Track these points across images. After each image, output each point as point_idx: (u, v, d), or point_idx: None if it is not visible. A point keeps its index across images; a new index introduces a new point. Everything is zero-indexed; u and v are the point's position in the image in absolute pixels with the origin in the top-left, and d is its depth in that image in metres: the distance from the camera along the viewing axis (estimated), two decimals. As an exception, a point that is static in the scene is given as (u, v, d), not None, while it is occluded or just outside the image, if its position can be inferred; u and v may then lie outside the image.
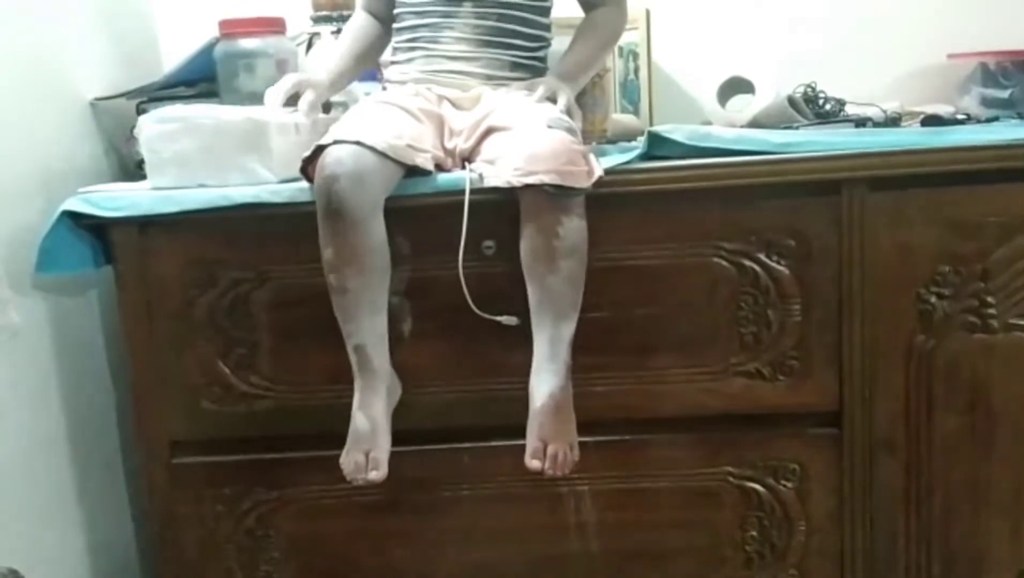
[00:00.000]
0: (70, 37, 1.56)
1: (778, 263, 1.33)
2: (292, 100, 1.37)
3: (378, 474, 1.25)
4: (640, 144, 1.36)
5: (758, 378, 1.35)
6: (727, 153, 1.31)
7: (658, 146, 1.33)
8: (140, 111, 1.56)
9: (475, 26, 1.39)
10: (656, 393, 1.36)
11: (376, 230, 1.23)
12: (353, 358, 1.26)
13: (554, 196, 1.20)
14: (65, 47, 1.54)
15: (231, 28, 1.53)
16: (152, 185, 1.36)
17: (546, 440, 1.23)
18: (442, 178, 1.31)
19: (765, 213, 1.32)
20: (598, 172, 1.24)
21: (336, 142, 1.21)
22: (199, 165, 1.33)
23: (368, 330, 1.25)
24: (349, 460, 1.26)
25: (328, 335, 1.28)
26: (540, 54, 1.46)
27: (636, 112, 1.82)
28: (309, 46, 1.72)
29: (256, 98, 1.44)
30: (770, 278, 1.33)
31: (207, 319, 1.37)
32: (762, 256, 1.33)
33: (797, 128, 1.43)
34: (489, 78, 1.40)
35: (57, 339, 1.45)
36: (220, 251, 1.35)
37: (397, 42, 1.46)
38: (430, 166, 1.29)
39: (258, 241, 1.34)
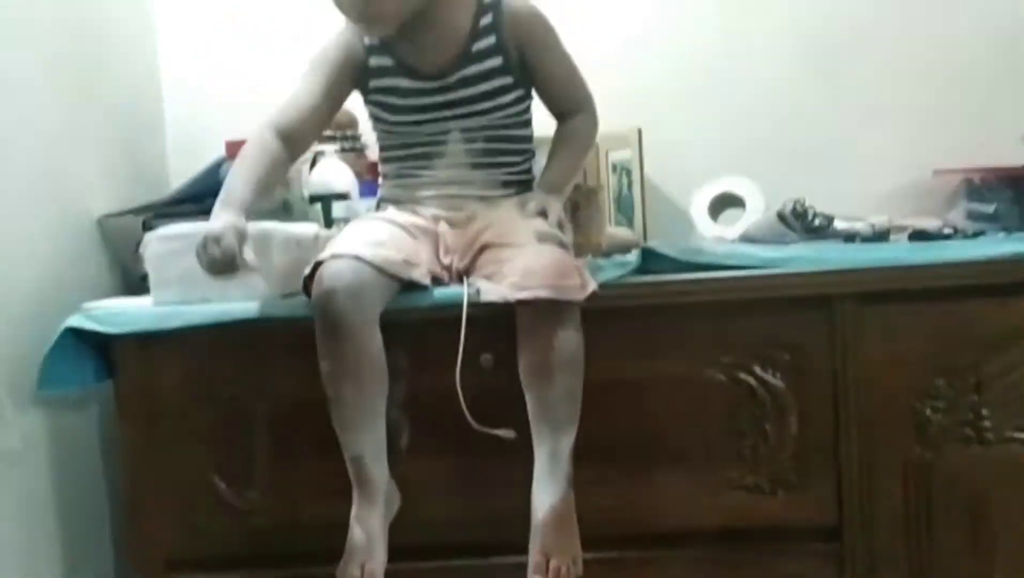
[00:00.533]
0: (81, 155, 1.61)
1: (773, 376, 1.34)
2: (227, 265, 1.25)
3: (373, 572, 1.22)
4: (633, 258, 1.39)
5: (756, 492, 1.35)
6: (719, 268, 1.35)
7: (651, 261, 1.37)
8: (147, 227, 1.58)
9: (466, 151, 1.42)
10: (655, 508, 1.35)
11: (373, 342, 1.24)
12: (351, 469, 1.25)
13: (550, 310, 1.22)
14: (75, 164, 1.59)
15: (237, 148, 1.56)
16: (155, 301, 1.38)
17: (548, 554, 1.22)
18: (440, 293, 1.33)
19: (759, 327, 1.34)
20: (592, 286, 1.25)
21: (334, 256, 1.23)
22: (202, 281, 1.33)
23: (366, 441, 1.25)
24: (346, 572, 1.24)
25: (325, 449, 1.27)
26: (527, 167, 1.49)
27: (630, 225, 1.86)
28: (313, 164, 1.77)
29: (260, 214, 1.46)
30: (766, 391, 1.35)
31: (204, 433, 1.37)
32: (757, 369, 1.34)
33: (787, 243, 1.46)
34: (483, 198, 1.43)
35: (56, 456, 1.45)
36: (220, 365, 1.36)
37: (386, 166, 1.50)
38: (426, 281, 1.32)
39: (258, 355, 1.35)
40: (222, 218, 1.25)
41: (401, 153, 1.46)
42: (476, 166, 1.43)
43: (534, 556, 1.22)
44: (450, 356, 1.28)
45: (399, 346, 1.32)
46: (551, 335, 1.22)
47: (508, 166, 1.45)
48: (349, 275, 1.21)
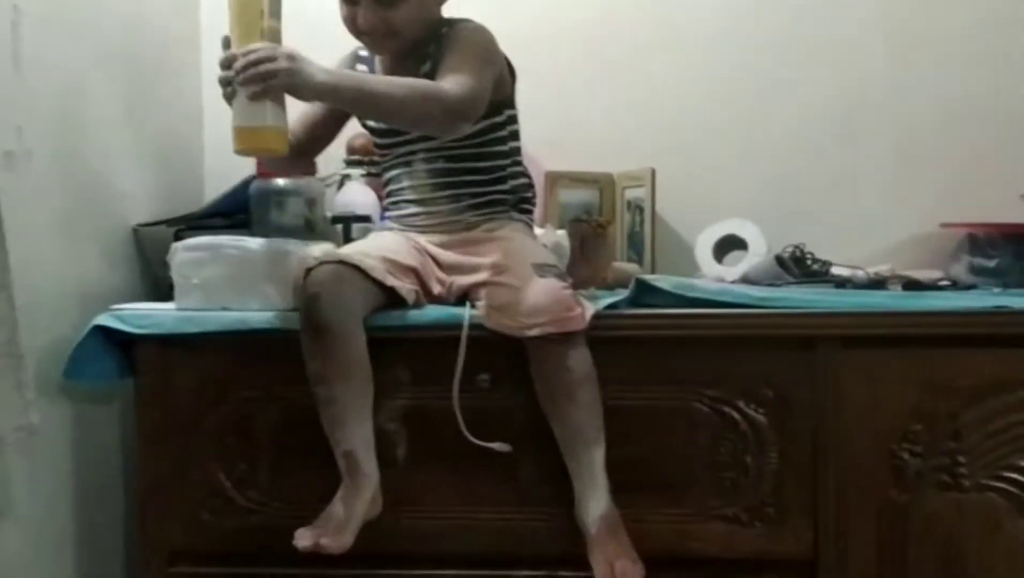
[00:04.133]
0: (121, 168, 1.70)
1: (756, 411, 1.38)
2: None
3: (333, 542, 1.25)
4: (628, 291, 1.45)
5: (735, 523, 1.39)
6: (710, 304, 1.40)
7: (646, 294, 1.43)
8: (178, 238, 1.66)
9: (427, 171, 1.48)
10: (638, 533, 1.37)
11: (358, 343, 1.30)
12: (342, 463, 1.31)
13: (558, 341, 1.30)
14: (115, 176, 1.69)
15: (266, 168, 1.65)
16: (178, 306, 1.47)
17: (611, 561, 1.28)
18: (442, 312, 1.40)
19: (745, 363, 1.38)
20: (590, 312, 1.33)
21: (321, 263, 1.31)
22: (223, 290, 1.45)
23: (356, 437, 1.31)
24: (305, 536, 1.25)
25: (327, 456, 1.34)
26: (503, 187, 1.50)
27: (640, 262, 1.93)
28: (340, 186, 1.86)
29: (284, 231, 1.55)
30: (748, 425, 1.39)
31: (215, 434, 1.44)
32: (741, 404, 1.39)
33: (780, 285, 1.50)
34: (449, 222, 1.48)
35: (77, 444, 1.53)
36: (233, 371, 1.44)
37: (385, 188, 1.60)
38: (411, 296, 1.37)
39: (268, 364, 1.43)
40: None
41: (389, 175, 1.56)
42: (437, 187, 1.49)
43: (599, 567, 1.29)
44: (449, 373, 1.36)
45: (401, 361, 1.40)
46: (563, 359, 1.30)
47: (472, 186, 1.48)
48: (331, 279, 1.29)
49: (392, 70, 1.47)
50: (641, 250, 1.94)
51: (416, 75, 1.41)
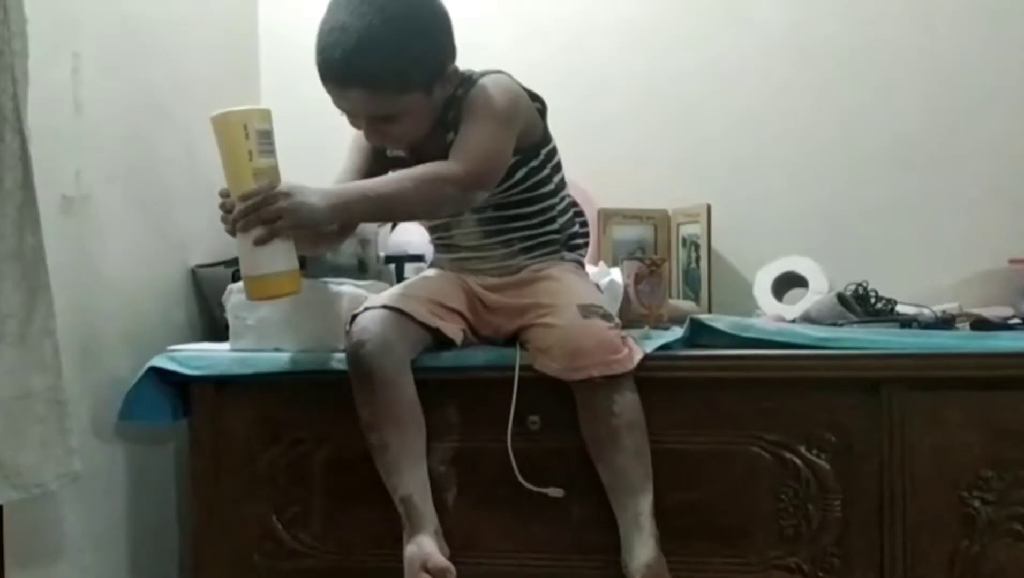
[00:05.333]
0: (180, 209, 1.72)
1: (818, 457, 1.34)
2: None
3: (439, 562, 1.25)
4: (682, 331, 1.42)
5: (798, 574, 1.34)
6: (768, 345, 1.36)
7: (701, 333, 1.40)
8: (235, 279, 1.68)
9: (476, 220, 1.45)
10: None
11: (407, 388, 1.31)
12: (401, 509, 1.30)
13: (604, 384, 1.28)
14: (174, 217, 1.71)
15: None
16: (232, 347, 1.48)
17: None
18: (493, 353, 1.39)
19: (805, 406, 1.34)
20: (638, 355, 1.31)
21: (366, 309, 1.30)
22: (277, 331, 1.46)
23: (412, 481, 1.31)
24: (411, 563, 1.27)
25: (378, 499, 1.34)
26: (553, 227, 1.48)
27: (696, 300, 1.89)
28: (393, 226, 1.85)
29: (337, 271, 1.56)
30: (810, 471, 1.34)
31: (267, 475, 1.45)
32: (802, 449, 1.34)
33: (842, 325, 1.46)
34: (502, 266, 1.46)
35: (131, 486, 1.54)
36: (286, 411, 1.44)
37: (429, 233, 1.57)
38: (457, 337, 1.37)
39: (321, 405, 1.42)
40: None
41: (434, 222, 1.53)
42: (488, 234, 1.46)
43: None
44: (499, 415, 1.34)
45: (450, 402, 1.39)
46: (610, 403, 1.28)
47: (522, 231, 1.46)
48: (377, 326, 1.28)
49: (420, 146, 1.42)
50: (698, 288, 1.90)
51: (444, 145, 1.38)
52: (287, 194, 1.22)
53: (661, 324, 1.65)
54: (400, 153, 1.46)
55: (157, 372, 1.45)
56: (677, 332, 1.45)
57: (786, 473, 1.35)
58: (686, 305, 1.82)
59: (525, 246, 1.48)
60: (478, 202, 1.37)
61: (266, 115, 1.27)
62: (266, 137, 1.25)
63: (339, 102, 1.35)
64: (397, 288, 1.43)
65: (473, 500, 1.40)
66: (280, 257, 1.26)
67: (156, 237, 1.65)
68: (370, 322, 1.29)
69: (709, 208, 1.87)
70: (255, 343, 1.47)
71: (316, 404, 1.43)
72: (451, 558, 1.34)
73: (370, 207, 1.29)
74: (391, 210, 1.36)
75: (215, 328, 1.78)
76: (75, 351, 1.38)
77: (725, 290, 1.90)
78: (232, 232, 1.26)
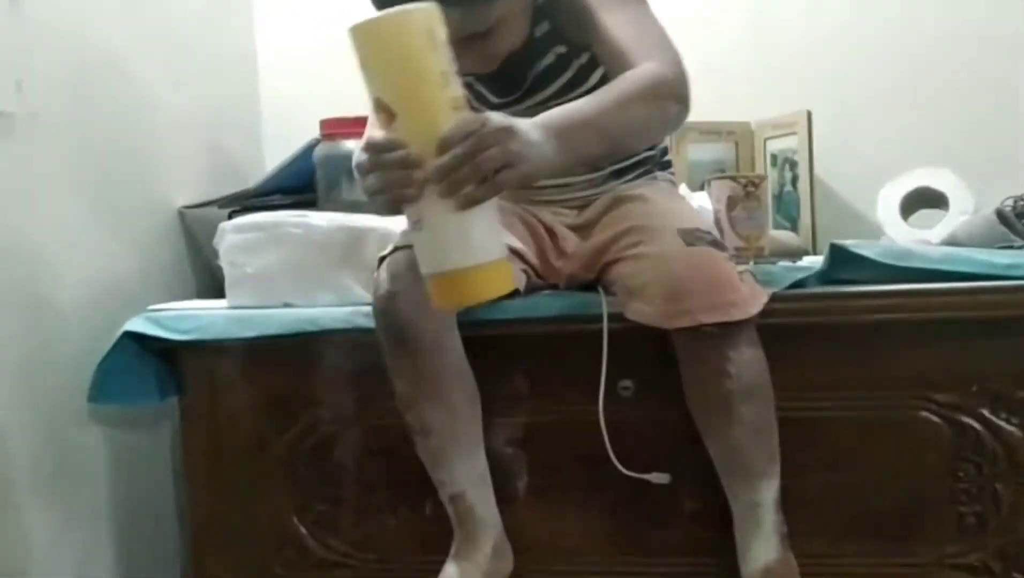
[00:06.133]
0: (161, 137, 1.45)
1: (1008, 422, 1.07)
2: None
3: None
4: (816, 262, 1.15)
5: (984, 574, 1.08)
6: (935, 276, 1.07)
7: (842, 266, 1.10)
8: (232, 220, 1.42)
9: None
10: None
11: (452, 351, 1.06)
12: (450, 509, 1.09)
13: (715, 333, 0.99)
14: (153, 147, 1.43)
15: (335, 128, 1.40)
16: (230, 303, 1.22)
17: None
18: (568, 299, 1.12)
19: (990, 356, 1.07)
20: (764, 296, 1.03)
21: (396, 249, 1.03)
22: (284, 281, 1.20)
23: (464, 475, 1.08)
24: None
25: (427, 493, 1.11)
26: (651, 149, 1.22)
27: (795, 228, 1.61)
28: None
29: (360, 207, 1.29)
30: (998, 441, 1.08)
31: (283, 465, 1.20)
32: (986, 412, 1.08)
33: (1021, 248, 1.15)
34: (585, 196, 1.19)
35: (116, 483, 1.28)
36: (303, 385, 1.19)
37: None
38: (517, 280, 1.06)
39: (349, 374, 1.17)
40: None
41: None
42: None
43: None
44: (578, 380, 1.09)
45: (515, 366, 1.16)
46: (722, 361, 1.00)
47: None
48: (413, 273, 0.97)
49: (511, 59, 1.10)
50: (795, 215, 1.62)
51: (533, 53, 1.10)
52: (510, 130, 0.85)
53: (763, 258, 1.38)
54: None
55: (135, 338, 1.17)
56: (804, 267, 1.17)
57: (965, 444, 1.08)
58: (786, 236, 1.53)
59: (617, 169, 1.18)
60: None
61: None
62: (450, 52, 0.86)
63: None
64: None
65: (549, 491, 1.16)
66: (494, 236, 0.87)
67: (129, 169, 1.36)
68: (403, 266, 1.02)
69: (809, 116, 1.57)
70: (258, 298, 1.20)
71: (343, 374, 1.17)
72: (522, 569, 1.13)
73: (599, 143, 0.96)
74: (618, 144, 1.03)
75: (213, 283, 1.51)
76: (25, 313, 1.12)
77: (830, 218, 1.61)
78: (409, 200, 0.85)
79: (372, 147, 0.85)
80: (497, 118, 0.85)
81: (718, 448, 1.05)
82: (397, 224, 1.19)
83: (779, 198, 1.65)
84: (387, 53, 0.82)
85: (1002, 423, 1.06)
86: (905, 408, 1.08)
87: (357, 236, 1.19)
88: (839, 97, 1.64)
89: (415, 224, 0.86)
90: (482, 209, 0.84)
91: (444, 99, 0.83)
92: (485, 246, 0.85)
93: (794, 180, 1.61)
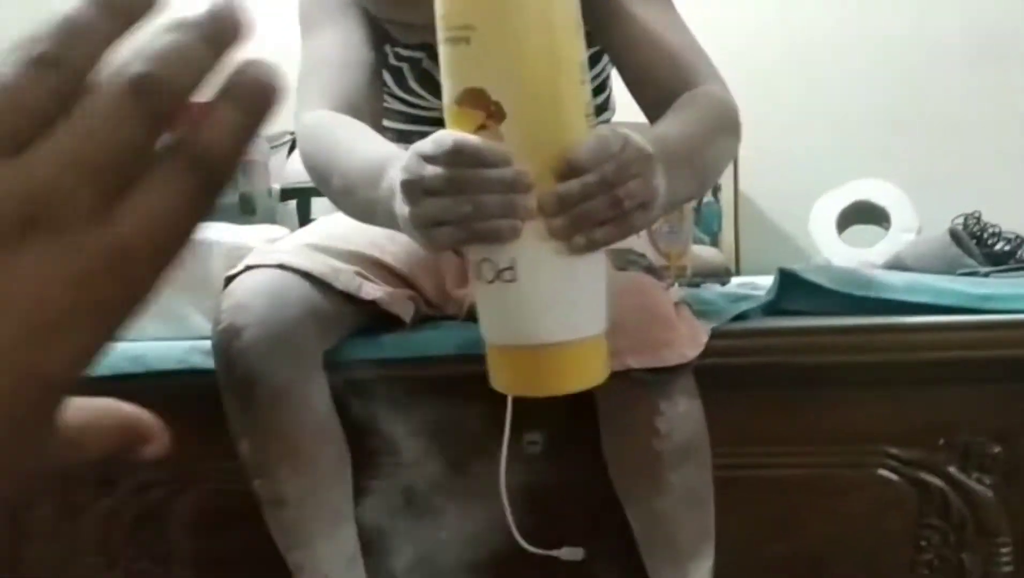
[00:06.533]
0: None
1: (979, 481, 0.97)
2: None
3: None
4: (745, 284, 1.09)
5: None
6: (898, 309, 0.95)
7: (792, 295, 0.98)
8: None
9: None
10: None
11: (314, 404, 0.89)
12: None
13: (648, 380, 0.84)
14: None
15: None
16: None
17: None
18: (464, 333, 0.95)
19: (961, 404, 0.96)
20: (703, 337, 0.90)
21: (248, 269, 0.89)
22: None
23: (328, 556, 0.93)
24: None
25: (281, 567, 0.94)
26: None
27: (716, 244, 1.51)
28: (291, 149, 1.47)
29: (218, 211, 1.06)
30: (966, 505, 0.97)
31: (99, 540, 1.03)
32: (954, 470, 0.97)
33: (986, 275, 1.04)
34: None
35: None
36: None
37: None
38: (403, 310, 0.94)
39: (182, 426, 0.91)
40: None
41: (407, 129, 1.06)
42: None
43: None
44: (475, 433, 0.93)
45: (398, 417, 0.95)
46: (652, 414, 0.87)
47: None
48: (264, 300, 0.85)
49: None
50: (715, 229, 1.52)
51: None
52: (652, 159, 0.66)
53: (685, 278, 1.25)
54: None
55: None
56: (743, 295, 1.04)
57: (929, 507, 0.98)
58: (710, 254, 1.40)
59: None
60: None
61: None
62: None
63: None
64: (301, 235, 1.01)
65: (440, 570, 0.97)
66: (602, 301, 0.66)
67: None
68: (252, 293, 0.86)
69: (734, 119, 1.42)
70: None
71: (175, 426, 0.91)
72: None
73: (688, 183, 0.78)
74: (703, 186, 0.92)
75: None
76: None
77: (753, 233, 1.53)
78: (506, 237, 0.62)
79: (465, 154, 0.61)
80: (638, 139, 0.65)
81: (641, 519, 0.93)
82: (254, 236, 1.04)
83: (698, 210, 1.52)
84: (519, 21, 0.59)
85: (972, 483, 0.95)
86: (861, 465, 0.98)
87: (201, 252, 1.00)
88: (769, 101, 1.51)
89: (498, 272, 0.62)
90: (595, 261, 0.63)
91: (581, 103, 0.61)
92: (594, 314, 0.64)
93: (715, 190, 1.51)
